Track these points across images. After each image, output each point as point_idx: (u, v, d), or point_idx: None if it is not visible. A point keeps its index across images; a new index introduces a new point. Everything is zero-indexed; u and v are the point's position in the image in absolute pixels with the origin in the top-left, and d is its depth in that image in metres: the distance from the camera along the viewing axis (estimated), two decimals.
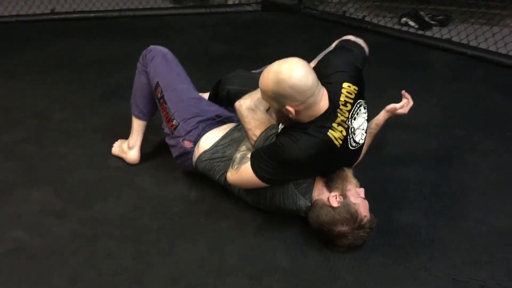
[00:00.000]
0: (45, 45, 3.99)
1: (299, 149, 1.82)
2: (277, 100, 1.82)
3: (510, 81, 3.33)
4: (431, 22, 4.29)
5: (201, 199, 2.29)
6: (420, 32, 4.13)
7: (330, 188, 1.99)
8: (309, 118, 1.84)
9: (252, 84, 2.39)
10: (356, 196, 1.96)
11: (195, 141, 2.24)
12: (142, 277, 1.89)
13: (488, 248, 2.00)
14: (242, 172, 1.93)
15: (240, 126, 2.23)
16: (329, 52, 2.18)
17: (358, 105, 1.94)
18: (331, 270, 1.91)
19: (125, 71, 3.52)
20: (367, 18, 4.40)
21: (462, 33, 3.90)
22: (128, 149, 2.53)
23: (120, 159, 2.57)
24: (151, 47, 2.46)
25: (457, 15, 4.31)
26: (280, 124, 2.01)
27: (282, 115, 1.89)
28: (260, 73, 2.47)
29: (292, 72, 1.76)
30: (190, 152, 2.26)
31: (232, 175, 1.98)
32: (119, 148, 2.60)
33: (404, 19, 4.39)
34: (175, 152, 2.32)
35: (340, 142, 1.85)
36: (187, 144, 2.25)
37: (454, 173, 2.43)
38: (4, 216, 2.19)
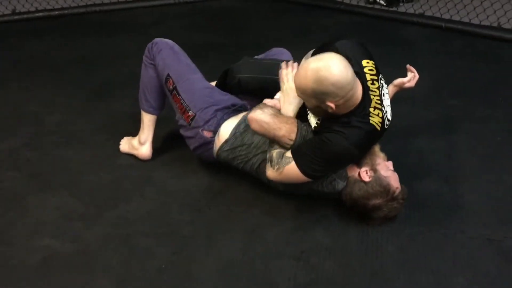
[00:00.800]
0: (15, 47, 3.81)
1: (350, 144, 1.84)
2: (317, 98, 1.80)
3: (490, 50, 3.48)
4: None
5: (226, 189, 2.28)
6: (391, 8, 4.23)
7: (360, 164, 2.03)
8: (348, 109, 1.85)
9: (262, 71, 2.40)
10: (386, 169, 2.01)
11: (215, 130, 2.22)
12: (190, 270, 1.88)
13: None
14: (286, 172, 1.93)
15: None
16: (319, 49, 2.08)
17: (381, 80, 1.98)
18: (373, 244, 1.95)
19: (106, 68, 3.45)
20: None
21: (434, 7, 4.03)
22: (140, 145, 2.48)
23: (131, 156, 2.51)
24: (156, 39, 2.42)
25: None
26: (311, 116, 2.00)
27: (319, 110, 1.89)
28: (268, 60, 2.50)
29: (332, 69, 1.75)
30: (211, 142, 2.24)
31: (274, 174, 1.97)
32: (128, 145, 2.54)
33: None
34: (193, 143, 2.29)
35: (380, 125, 1.89)
36: (207, 134, 2.23)
37: (461, 140, 2.54)
38: (26, 226, 2.10)
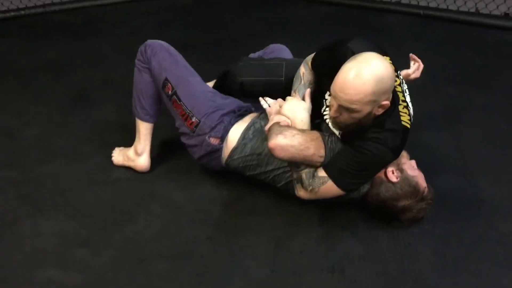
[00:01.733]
0: None
1: (389, 149, 1.73)
2: (375, 101, 1.64)
3: (472, 36, 3.47)
4: None
5: (238, 199, 2.13)
6: None
7: None
8: (384, 109, 1.73)
9: (265, 73, 2.25)
10: (412, 168, 1.93)
11: (222, 137, 2.07)
12: None
13: None
14: (322, 191, 1.81)
15: (262, 115, 2.09)
16: (323, 52, 1.97)
17: (400, 76, 1.88)
18: (407, 248, 1.87)
19: (79, 73, 3.20)
20: None
21: None
22: (136, 155, 2.28)
23: (126, 168, 2.31)
24: (149, 41, 2.23)
25: None
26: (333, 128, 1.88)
27: (366, 119, 1.71)
28: (269, 60, 2.35)
29: (383, 63, 1.63)
30: (218, 149, 2.08)
31: (308, 195, 1.84)
32: (123, 156, 2.34)
33: None
34: (199, 152, 2.13)
35: (409, 124, 1.79)
36: (214, 141, 2.07)
37: (467, 130, 2.50)
38: (24, 256, 1.88)
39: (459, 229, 1.94)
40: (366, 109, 1.65)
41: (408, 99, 1.85)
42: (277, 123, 1.83)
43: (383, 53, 1.80)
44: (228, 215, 2.05)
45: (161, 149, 2.42)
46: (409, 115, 1.80)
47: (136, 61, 2.23)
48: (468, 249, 1.85)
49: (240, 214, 2.05)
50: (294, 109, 1.89)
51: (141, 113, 2.23)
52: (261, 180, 2.06)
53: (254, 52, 2.65)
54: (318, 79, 1.98)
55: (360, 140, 1.74)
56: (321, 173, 1.80)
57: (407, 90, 1.88)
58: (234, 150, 2.05)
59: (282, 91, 2.19)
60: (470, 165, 2.26)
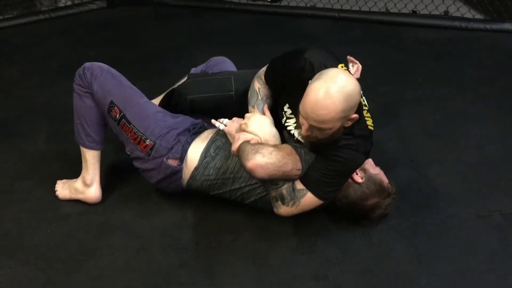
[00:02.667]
0: None
1: (362, 153, 1.78)
2: (345, 117, 1.66)
3: (388, 35, 3.65)
4: None
5: (204, 219, 2.07)
6: (275, 4, 4.24)
7: None
8: (353, 121, 1.75)
9: (214, 89, 2.20)
10: (373, 166, 1.98)
11: (182, 157, 1.99)
12: None
13: (485, 178, 2.23)
14: (303, 204, 1.81)
15: (221, 132, 2.04)
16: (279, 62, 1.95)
17: None
18: (381, 245, 1.92)
19: None
20: None
21: None
22: (85, 187, 2.13)
23: (75, 202, 2.16)
24: (87, 64, 2.11)
25: None
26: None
27: (337, 133, 1.72)
28: (215, 74, 2.30)
29: (349, 79, 1.64)
30: (178, 171, 2.00)
31: (289, 210, 1.83)
32: (69, 189, 2.18)
33: None
34: (156, 176, 2.03)
35: (372, 126, 1.84)
36: (173, 163, 1.99)
37: (406, 124, 2.62)
38: None
39: (423, 219, 2.03)
40: (337, 125, 1.67)
41: (365, 101, 1.90)
42: (247, 142, 1.79)
43: (338, 61, 1.83)
44: (198, 237, 1.99)
45: (110, 176, 2.28)
46: (371, 117, 1.85)
47: (74, 85, 2.09)
48: (435, 237, 1.94)
49: (209, 235, 1.99)
50: (261, 124, 1.87)
51: (86, 141, 2.09)
52: (226, 198, 2.02)
53: (179, 65, 2.58)
54: (274, 92, 1.98)
55: (332, 149, 1.76)
56: (299, 185, 1.80)
57: (362, 95, 1.93)
58: (196, 170, 1.99)
59: (234, 105, 2.16)
60: (417, 157, 2.37)
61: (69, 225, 2.06)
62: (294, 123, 1.92)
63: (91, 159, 2.10)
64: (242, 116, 1.97)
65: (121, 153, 2.33)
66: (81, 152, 2.12)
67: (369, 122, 1.81)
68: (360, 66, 2.29)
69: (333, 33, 3.76)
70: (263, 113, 1.93)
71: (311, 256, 1.87)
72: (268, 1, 4.39)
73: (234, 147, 1.82)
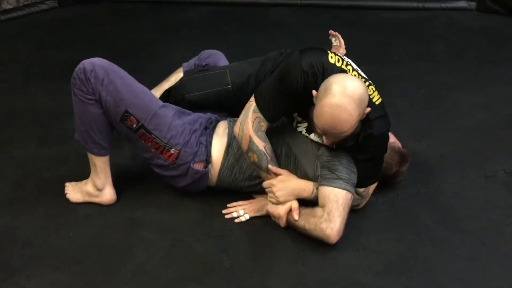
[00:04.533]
0: None
1: (385, 131, 1.84)
2: (360, 118, 1.71)
3: (355, 19, 3.78)
4: None
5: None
6: None
7: None
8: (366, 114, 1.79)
9: (212, 85, 2.20)
10: (391, 136, 2.05)
11: (207, 159, 1.97)
12: None
13: (483, 142, 2.38)
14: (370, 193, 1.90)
15: (233, 124, 2.04)
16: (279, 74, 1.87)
17: (343, 57, 1.92)
18: (413, 213, 2.00)
19: None
20: None
21: None
22: (97, 191, 2.06)
23: (89, 203, 2.08)
24: (87, 65, 1.89)
25: None
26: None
27: (356, 130, 1.76)
28: (209, 69, 2.28)
29: (356, 82, 1.68)
30: (206, 173, 1.98)
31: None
32: (80, 193, 2.10)
33: None
34: (184, 181, 2.00)
35: (379, 96, 1.87)
36: (199, 167, 1.97)
37: (396, 100, 2.71)
38: None
39: (438, 185, 2.14)
40: (355, 127, 1.72)
41: (363, 74, 1.91)
42: (301, 214, 1.85)
43: (326, 53, 1.82)
44: (228, 223, 1.98)
45: (119, 174, 2.19)
46: (374, 88, 1.86)
47: (75, 90, 1.90)
48: (454, 199, 2.07)
49: (242, 222, 1.98)
50: (288, 188, 1.87)
51: (94, 148, 1.98)
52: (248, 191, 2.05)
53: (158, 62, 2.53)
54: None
55: (361, 146, 1.82)
56: (360, 190, 1.90)
57: (359, 70, 1.91)
58: (221, 170, 1.99)
59: (232, 98, 2.17)
60: (416, 129, 2.48)
61: (92, 226, 1.99)
62: (305, 127, 1.96)
63: (101, 164, 2.02)
64: (240, 109, 1.98)
65: (124, 150, 2.29)
66: (89, 158, 2.03)
67: (375, 97, 1.83)
68: (342, 40, 2.37)
69: (300, 19, 3.85)
70: (276, 173, 1.90)
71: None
72: None
73: (283, 224, 1.89)
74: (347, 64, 1.85)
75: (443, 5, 3.81)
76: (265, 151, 1.88)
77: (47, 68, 3.25)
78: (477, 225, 1.93)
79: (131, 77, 1.99)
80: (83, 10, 4.13)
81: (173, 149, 1.94)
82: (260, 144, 1.87)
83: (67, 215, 2.04)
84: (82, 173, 2.17)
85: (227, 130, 2.03)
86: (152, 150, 1.95)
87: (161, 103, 2.01)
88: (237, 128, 1.92)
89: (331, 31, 2.41)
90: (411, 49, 3.29)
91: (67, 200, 2.10)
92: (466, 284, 1.71)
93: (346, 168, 1.84)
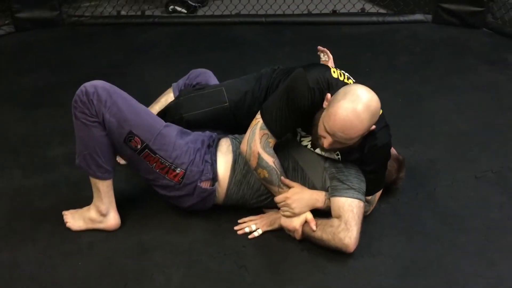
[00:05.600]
0: None
1: (387, 142, 1.91)
2: (367, 131, 1.75)
3: (319, 34, 3.88)
4: (195, 4, 4.49)
5: (237, 223, 2.06)
6: (192, 14, 4.31)
7: None
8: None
9: (209, 103, 2.19)
10: None
11: (214, 177, 1.97)
12: None
13: (466, 145, 2.51)
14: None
15: (236, 141, 2.06)
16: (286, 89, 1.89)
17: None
18: (416, 216, 2.08)
19: None
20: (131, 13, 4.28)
21: (230, 6, 4.21)
22: (101, 216, 2.00)
23: (92, 231, 2.02)
24: (89, 88, 1.86)
25: None
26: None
27: (356, 143, 1.81)
28: (204, 88, 2.27)
29: (369, 94, 1.72)
30: (213, 191, 1.98)
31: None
32: (83, 220, 2.03)
33: (171, 7, 4.46)
34: (191, 200, 1.98)
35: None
36: (206, 185, 1.96)
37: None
38: None
39: (434, 188, 2.24)
40: (360, 138, 1.78)
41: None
42: (310, 229, 1.88)
43: (327, 68, 1.91)
44: (241, 239, 1.97)
45: (118, 200, 2.13)
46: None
47: (77, 113, 1.86)
48: (452, 200, 2.17)
49: (254, 237, 1.99)
50: (302, 200, 1.90)
51: (98, 172, 1.93)
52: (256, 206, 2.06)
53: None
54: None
55: (366, 158, 1.89)
56: (368, 197, 1.95)
57: (352, 79, 1.97)
58: (229, 188, 1.99)
59: (230, 116, 2.18)
60: (401, 137, 2.55)
61: (99, 254, 1.92)
62: (309, 141, 2.00)
63: (104, 188, 1.97)
64: (239, 127, 2.06)
65: (118, 173, 2.22)
66: (92, 182, 1.97)
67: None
68: (331, 56, 2.44)
69: (265, 36, 3.91)
70: (288, 186, 1.93)
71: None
72: (185, 12, 4.42)
73: (298, 237, 1.91)
74: (348, 78, 1.92)
75: (402, 18, 4.00)
76: (274, 166, 1.89)
77: (13, 95, 3.13)
78: (478, 223, 2.04)
79: (133, 98, 1.97)
80: (42, 34, 3.99)
81: (178, 169, 1.92)
82: (270, 160, 1.89)
83: (70, 244, 1.96)
84: (75, 201, 2.12)
85: (230, 147, 2.04)
86: (157, 170, 1.92)
87: (164, 122, 1.99)
88: (244, 146, 1.93)
89: (319, 47, 2.46)
90: (379, 61, 3.42)
91: (67, 229, 2.02)
92: (479, 278, 1.79)
93: (356, 178, 1.89)
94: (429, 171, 2.34)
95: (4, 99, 3.08)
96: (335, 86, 1.83)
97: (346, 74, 1.94)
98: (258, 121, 1.91)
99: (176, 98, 2.30)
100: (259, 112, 1.93)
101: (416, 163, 2.38)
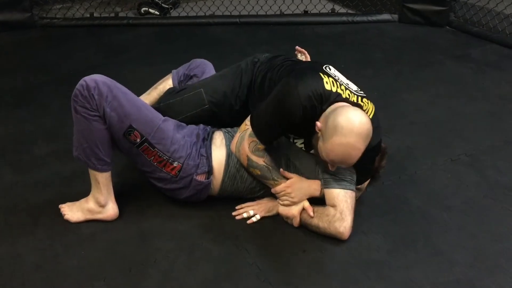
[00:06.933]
0: None
1: (379, 142, 2.02)
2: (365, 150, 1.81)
3: (293, 33, 4.02)
4: (167, 6, 4.56)
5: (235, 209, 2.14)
6: (163, 15, 4.39)
7: None
8: None
9: (188, 108, 2.22)
10: None
11: (209, 170, 2.03)
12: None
13: (439, 132, 2.67)
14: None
15: (229, 135, 2.12)
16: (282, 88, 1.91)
17: (336, 76, 2.01)
18: (401, 197, 2.21)
19: None
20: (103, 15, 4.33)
21: (204, 7, 4.33)
22: (100, 207, 2.04)
23: (91, 221, 2.06)
24: (90, 83, 1.88)
25: None
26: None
27: None
28: (184, 91, 2.28)
29: (361, 120, 1.75)
30: (209, 184, 2.04)
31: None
32: (81, 211, 2.06)
33: (144, 9, 4.52)
34: (187, 193, 2.05)
35: (372, 106, 2.04)
36: (201, 178, 2.03)
37: None
38: None
39: (414, 171, 2.39)
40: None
41: (353, 87, 1.98)
42: (308, 215, 1.97)
43: (319, 78, 1.88)
44: (240, 225, 2.04)
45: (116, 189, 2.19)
46: (368, 101, 1.98)
47: (78, 107, 1.89)
48: (433, 182, 2.32)
49: (252, 223, 2.07)
50: (302, 189, 2.00)
51: (98, 165, 1.97)
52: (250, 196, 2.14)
53: None
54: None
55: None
56: (358, 186, 2.06)
57: (343, 79, 1.99)
58: (223, 180, 2.06)
59: (212, 115, 2.23)
60: None
61: (101, 243, 1.96)
62: (302, 143, 2.09)
63: (104, 180, 2.01)
64: (224, 124, 2.15)
65: (117, 165, 2.28)
66: (91, 174, 2.01)
67: (369, 110, 1.96)
68: (308, 56, 2.54)
69: (241, 36, 4.01)
70: (287, 177, 2.01)
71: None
72: (157, 14, 4.47)
73: (296, 224, 1.99)
74: (340, 84, 1.92)
75: (370, 18, 4.18)
76: (265, 164, 1.98)
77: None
78: (457, 201, 2.19)
79: (131, 92, 2.02)
80: (13, 36, 3.98)
81: (176, 162, 1.98)
82: (259, 160, 1.97)
83: (71, 235, 1.99)
84: (69, 195, 2.16)
85: (224, 141, 2.10)
86: (155, 164, 1.98)
87: (162, 117, 2.04)
88: (233, 148, 2.02)
89: (297, 47, 2.50)
90: (352, 58, 3.58)
91: (66, 221, 2.05)
92: (462, 249, 1.93)
93: (347, 170, 1.99)
94: (408, 156, 2.49)
95: None
96: (327, 99, 1.85)
97: (337, 77, 1.96)
98: (247, 128, 1.98)
99: (157, 103, 2.31)
100: (248, 118, 1.99)
101: (396, 150, 2.52)
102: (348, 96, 1.90)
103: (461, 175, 2.35)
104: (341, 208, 1.93)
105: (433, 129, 2.71)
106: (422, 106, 2.95)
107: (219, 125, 2.22)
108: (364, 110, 1.91)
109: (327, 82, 1.88)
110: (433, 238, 1.98)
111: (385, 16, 4.20)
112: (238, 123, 2.10)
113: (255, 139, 1.95)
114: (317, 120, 1.84)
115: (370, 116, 1.89)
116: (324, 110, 1.86)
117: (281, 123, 1.89)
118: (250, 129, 1.96)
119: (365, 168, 2.04)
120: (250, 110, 2.17)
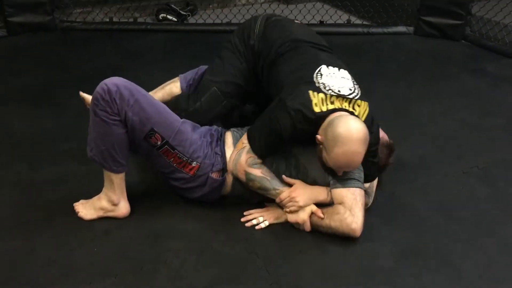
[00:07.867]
0: None
1: (378, 138, 2.08)
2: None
3: None
4: (184, 13, 4.63)
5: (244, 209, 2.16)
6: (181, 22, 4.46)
7: None
8: None
9: (211, 115, 2.32)
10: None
11: (224, 168, 2.08)
12: None
13: (451, 144, 2.69)
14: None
15: (237, 134, 2.18)
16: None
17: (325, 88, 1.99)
18: (410, 205, 2.22)
19: None
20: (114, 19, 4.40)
21: (221, 15, 4.38)
22: (113, 205, 2.08)
23: (103, 218, 2.10)
24: (111, 86, 1.90)
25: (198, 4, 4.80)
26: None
27: None
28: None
29: (358, 127, 1.83)
30: (223, 181, 2.08)
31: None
32: (94, 209, 2.10)
33: (162, 15, 4.59)
34: (202, 191, 2.09)
35: (367, 105, 2.04)
36: (217, 176, 2.07)
37: None
38: None
39: (426, 180, 2.40)
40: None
41: (343, 90, 1.95)
42: (317, 217, 1.99)
43: (306, 93, 1.92)
44: (251, 229, 2.06)
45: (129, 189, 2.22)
46: (361, 101, 1.97)
47: (98, 111, 1.91)
48: (444, 193, 2.32)
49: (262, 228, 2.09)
50: (307, 193, 2.02)
51: (114, 166, 2.00)
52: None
53: None
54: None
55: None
56: (366, 185, 2.09)
57: (332, 84, 1.96)
58: (235, 178, 2.09)
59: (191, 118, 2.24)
60: (391, 136, 2.70)
61: (114, 240, 2.00)
62: None
63: (118, 180, 2.05)
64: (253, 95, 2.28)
65: (131, 164, 2.30)
66: (105, 175, 2.05)
67: (362, 110, 1.96)
68: None
69: None
70: (290, 183, 2.04)
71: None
72: (175, 21, 4.54)
73: (308, 228, 2.02)
74: (331, 96, 1.92)
75: (385, 30, 4.21)
76: (263, 176, 2.02)
77: (12, 94, 3.18)
78: (468, 213, 2.19)
79: (151, 96, 2.06)
80: (35, 38, 4.06)
81: (194, 163, 2.02)
82: (257, 172, 2.02)
83: (85, 231, 2.03)
84: (83, 192, 2.20)
85: (233, 140, 2.15)
86: (174, 165, 2.02)
87: (180, 119, 2.09)
88: (230, 166, 2.07)
89: None
90: (367, 69, 3.60)
91: (79, 219, 2.09)
92: (471, 260, 1.94)
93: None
94: (420, 166, 2.50)
95: (3, 98, 3.13)
96: (318, 121, 1.92)
97: (326, 84, 1.94)
98: (244, 146, 2.04)
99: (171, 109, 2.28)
100: (245, 136, 2.06)
101: (408, 159, 2.53)
102: (340, 106, 1.93)
103: (472, 187, 2.36)
104: (350, 205, 1.95)
105: (446, 141, 2.72)
106: (436, 117, 2.96)
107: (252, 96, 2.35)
108: (358, 114, 1.94)
109: (316, 104, 1.91)
110: (442, 248, 1.99)
111: (401, 28, 4.22)
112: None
113: (253, 155, 2.01)
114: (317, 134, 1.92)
115: (364, 116, 1.95)
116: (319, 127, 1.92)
117: (277, 140, 1.98)
118: (248, 146, 2.02)
119: (370, 163, 2.05)
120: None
